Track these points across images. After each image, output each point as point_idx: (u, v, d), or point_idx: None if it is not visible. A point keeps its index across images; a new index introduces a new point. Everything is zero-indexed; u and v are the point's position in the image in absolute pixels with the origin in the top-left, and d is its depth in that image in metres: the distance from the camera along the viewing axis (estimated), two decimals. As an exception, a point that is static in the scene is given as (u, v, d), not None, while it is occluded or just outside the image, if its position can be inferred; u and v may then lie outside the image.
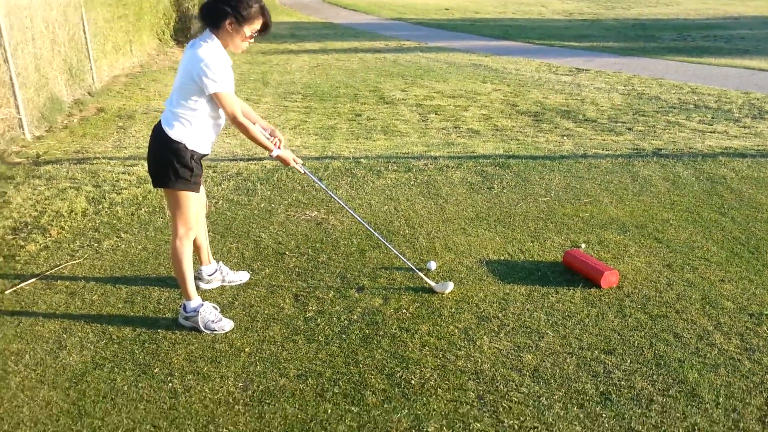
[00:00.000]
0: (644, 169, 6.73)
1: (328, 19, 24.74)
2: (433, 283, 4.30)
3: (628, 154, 7.31)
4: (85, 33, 10.83)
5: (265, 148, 3.79)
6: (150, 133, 3.69)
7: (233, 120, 3.56)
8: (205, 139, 3.66)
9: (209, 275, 4.29)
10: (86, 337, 3.72)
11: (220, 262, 4.40)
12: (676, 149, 7.52)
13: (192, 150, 3.59)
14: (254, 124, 3.78)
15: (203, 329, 3.78)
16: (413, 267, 4.44)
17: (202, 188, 3.99)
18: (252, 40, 3.61)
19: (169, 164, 3.58)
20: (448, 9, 27.03)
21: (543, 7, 27.19)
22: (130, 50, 13.76)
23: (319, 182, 4.33)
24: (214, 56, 3.44)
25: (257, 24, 3.53)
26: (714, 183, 6.30)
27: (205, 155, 3.76)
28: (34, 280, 4.40)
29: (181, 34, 17.25)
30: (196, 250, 4.13)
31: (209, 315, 3.82)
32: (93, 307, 4.06)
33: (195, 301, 3.83)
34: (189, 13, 17.53)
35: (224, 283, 4.35)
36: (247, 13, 3.44)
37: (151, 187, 6.06)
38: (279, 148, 3.83)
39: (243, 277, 4.45)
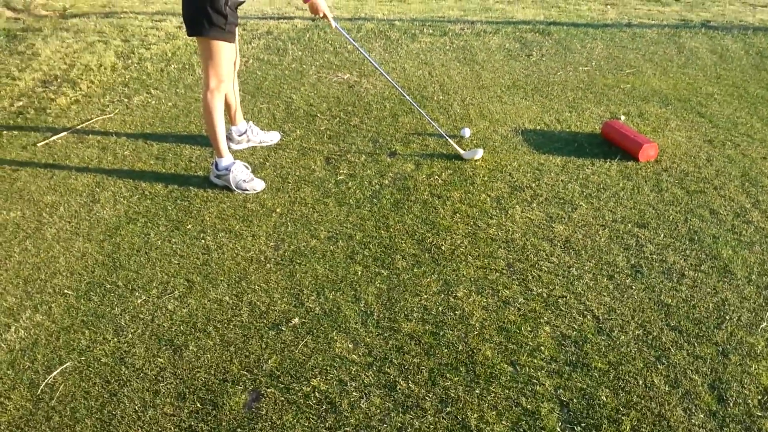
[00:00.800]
0: (691, 41, 6.42)
1: None
2: (461, 150, 4.22)
3: (675, 25, 6.97)
4: None
5: None
6: None
7: None
8: None
9: (239, 135, 4.25)
10: (119, 192, 3.74)
11: (250, 122, 4.35)
12: (725, 21, 7.15)
13: None
14: None
15: (235, 188, 3.78)
16: (443, 133, 4.35)
17: (237, 44, 3.88)
18: None
19: (203, 11, 3.46)
20: None
21: None
22: None
23: (352, 41, 4.17)
24: None
25: None
26: (763, 57, 6.01)
27: (241, 2, 3.63)
28: (65, 133, 4.40)
29: None
30: (227, 109, 4.07)
31: (241, 174, 3.81)
32: (125, 162, 4.07)
33: (227, 159, 3.81)
34: None
35: (254, 143, 4.31)
36: None
37: (180, 42, 5.97)
38: None
39: (274, 137, 4.41)
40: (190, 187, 3.81)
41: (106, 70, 5.41)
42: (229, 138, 4.25)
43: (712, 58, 6.00)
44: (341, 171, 4.04)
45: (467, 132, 4.50)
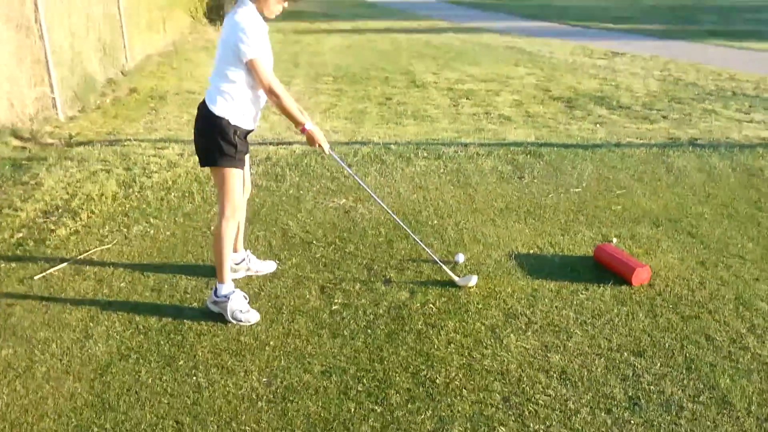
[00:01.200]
0: (679, 160, 6.58)
1: (361, -3, 24.59)
2: (455, 277, 4.24)
3: (663, 144, 7.16)
4: (119, 10, 10.86)
5: (297, 122, 3.73)
6: (195, 112, 3.69)
7: (268, 89, 3.53)
8: (248, 113, 3.66)
9: (236, 264, 4.28)
10: (113, 327, 3.74)
11: (248, 251, 4.39)
12: (712, 139, 7.35)
13: (235, 126, 3.60)
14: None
15: (230, 318, 3.78)
16: (437, 259, 4.39)
17: (248, 170, 4.02)
18: (286, 3, 3.60)
19: (214, 141, 3.59)
20: (482, -13, 26.64)
21: (579, -14, 26.69)
22: (163, 28, 13.80)
23: (347, 168, 4.26)
24: (250, 21, 3.44)
25: None
26: (751, 175, 6.14)
27: (250, 131, 3.76)
28: (63, 265, 4.44)
29: (214, 12, 17.25)
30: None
31: (238, 304, 3.81)
32: (120, 294, 4.09)
33: (228, 286, 3.83)
34: (222, -11, 17.52)
35: (250, 273, 4.35)
36: None
37: (181, 170, 6.12)
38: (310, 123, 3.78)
39: (270, 267, 4.44)
40: (185, 320, 3.81)
41: (107, 199, 5.53)
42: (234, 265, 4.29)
43: (700, 176, 6.13)
44: (336, 300, 4.06)
45: (461, 258, 4.54)
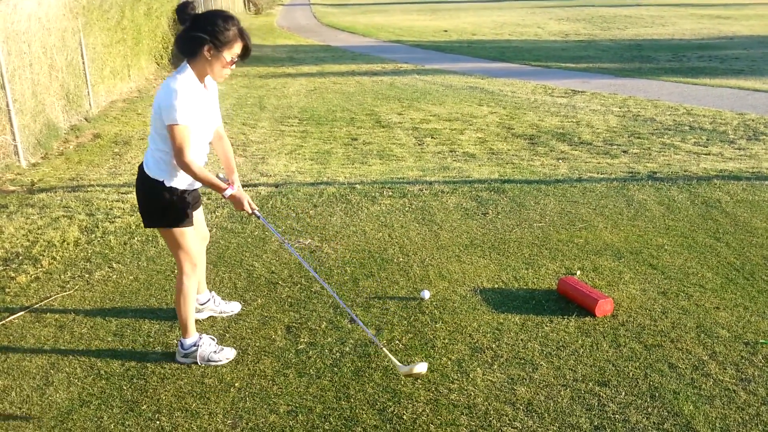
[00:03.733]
0: (639, 193, 6.71)
1: (326, 41, 24.84)
2: (399, 364, 3.59)
3: (623, 178, 7.30)
4: (83, 58, 10.86)
5: (217, 188, 3.55)
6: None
7: (177, 157, 3.33)
8: (183, 175, 3.51)
9: (201, 304, 4.25)
10: (74, 373, 3.68)
11: (213, 292, 4.37)
12: (671, 172, 7.51)
13: (171, 187, 3.50)
14: (232, 171, 3.77)
15: (204, 364, 3.74)
16: (377, 341, 3.93)
17: (202, 220, 3.96)
18: (233, 66, 3.47)
19: (153, 204, 3.53)
20: (446, 31, 27.17)
21: (539, 28, 27.31)
22: (128, 75, 13.81)
23: (271, 228, 4.02)
24: (182, 88, 3.29)
25: (237, 48, 3.39)
26: (709, 207, 6.28)
27: (191, 190, 3.66)
28: (23, 312, 4.37)
29: (179, 59, 17.33)
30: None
31: (209, 348, 3.78)
32: (82, 341, 4.02)
33: (193, 337, 3.78)
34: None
35: (215, 314, 4.31)
36: (224, 37, 3.32)
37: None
38: (232, 188, 3.62)
39: (234, 308, 4.41)
40: (147, 364, 3.76)
41: (69, 245, 5.46)
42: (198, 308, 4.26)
43: (660, 209, 6.25)
44: (302, 340, 4.04)
45: (427, 294, 4.55)
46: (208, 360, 3.76)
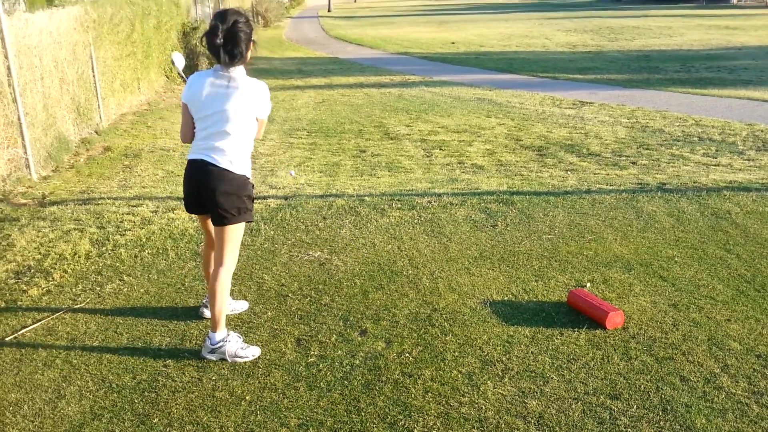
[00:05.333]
0: (648, 205, 6.70)
1: (334, 54, 24.95)
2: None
3: (632, 189, 7.29)
4: (93, 71, 10.94)
5: None
6: (192, 175, 3.84)
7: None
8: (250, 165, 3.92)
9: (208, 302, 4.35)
10: (85, 386, 3.69)
11: None
12: (680, 184, 7.50)
13: (252, 180, 3.88)
14: None
15: (232, 359, 3.88)
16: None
17: None
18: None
19: (240, 200, 3.78)
20: (454, 43, 27.25)
21: (547, 39, 27.36)
22: (137, 88, 13.90)
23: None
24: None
25: None
26: (719, 218, 6.26)
27: None
28: (35, 326, 4.39)
29: (189, 71, 17.44)
30: (207, 275, 4.27)
31: (236, 344, 3.91)
32: (93, 354, 4.04)
33: (222, 332, 3.90)
34: (197, 49, 17.71)
35: (227, 312, 4.39)
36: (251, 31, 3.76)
37: (155, 227, 6.11)
38: None
39: (242, 306, 4.58)
40: (159, 377, 3.77)
41: (80, 258, 5.49)
42: (204, 305, 4.43)
43: (669, 220, 6.23)
44: (312, 352, 4.04)
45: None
46: (236, 356, 3.89)
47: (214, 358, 3.90)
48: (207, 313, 4.37)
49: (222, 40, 3.57)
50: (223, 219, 3.78)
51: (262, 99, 3.78)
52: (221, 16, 3.60)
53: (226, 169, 3.73)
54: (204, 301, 4.51)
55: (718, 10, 39.76)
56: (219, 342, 3.88)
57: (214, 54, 3.64)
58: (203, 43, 3.63)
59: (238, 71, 3.69)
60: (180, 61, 4.55)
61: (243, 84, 3.68)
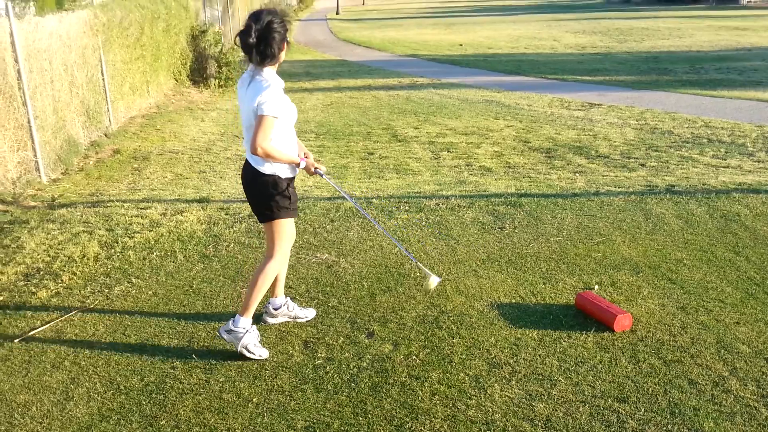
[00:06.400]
0: (657, 207, 6.67)
1: (343, 56, 24.99)
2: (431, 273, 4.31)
3: (641, 191, 7.26)
4: (103, 75, 10.99)
5: (292, 161, 3.85)
6: (241, 174, 3.96)
7: (260, 148, 3.63)
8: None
9: (276, 309, 4.40)
10: (93, 388, 3.71)
11: (288, 297, 4.48)
12: (689, 185, 7.47)
13: (286, 178, 3.85)
14: (301, 149, 4.08)
15: (240, 349, 3.91)
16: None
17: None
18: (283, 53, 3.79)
19: (270, 198, 3.82)
20: (462, 45, 27.23)
21: (555, 41, 27.30)
22: (147, 91, 13.95)
23: (337, 187, 4.40)
24: (275, 82, 3.73)
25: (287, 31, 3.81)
26: (728, 220, 6.23)
27: (294, 177, 3.97)
28: (44, 327, 4.41)
29: (198, 74, 17.45)
30: (274, 280, 4.27)
31: (253, 338, 3.95)
32: (101, 356, 4.06)
33: (248, 319, 3.95)
34: (205, 53, 17.75)
35: (289, 318, 4.45)
36: (284, 26, 3.74)
37: (164, 230, 6.14)
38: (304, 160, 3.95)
39: (309, 314, 4.52)
40: (167, 380, 3.78)
41: (89, 260, 5.52)
42: (266, 311, 4.42)
43: (678, 223, 6.21)
44: (319, 355, 4.05)
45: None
46: (247, 348, 3.93)
47: (226, 339, 3.95)
48: (270, 320, 4.41)
49: (255, 40, 3.60)
50: (258, 216, 3.97)
51: (258, 95, 3.61)
52: (256, 16, 3.63)
53: (253, 168, 3.81)
54: (265, 307, 4.47)
55: (728, 11, 39.60)
56: (240, 327, 3.92)
57: (247, 53, 3.68)
58: (237, 43, 3.68)
59: (267, 71, 3.70)
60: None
61: (261, 83, 3.66)
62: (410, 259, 4.42)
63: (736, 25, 30.63)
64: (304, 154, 4.05)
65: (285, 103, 3.72)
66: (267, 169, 3.79)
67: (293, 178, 3.97)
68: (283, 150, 3.78)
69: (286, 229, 3.96)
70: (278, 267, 4.02)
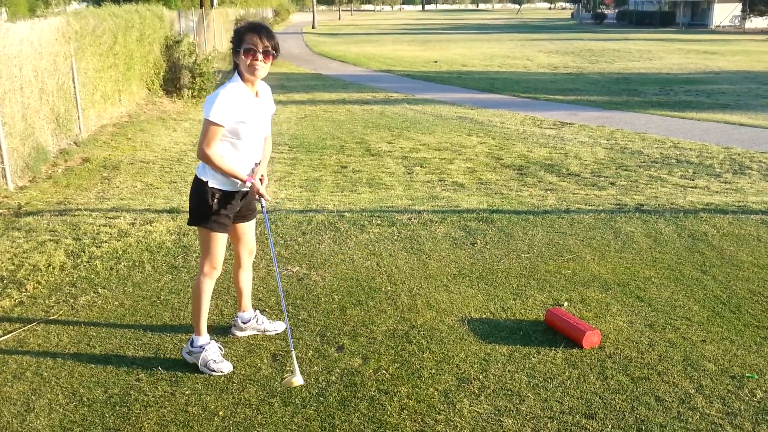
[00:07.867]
0: (626, 225, 6.74)
1: (317, 70, 25.03)
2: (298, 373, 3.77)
3: (611, 210, 7.34)
4: (74, 82, 10.88)
5: (235, 176, 3.76)
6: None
7: (201, 151, 3.62)
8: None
9: (244, 323, 4.35)
10: (55, 400, 3.63)
11: (257, 311, 4.45)
12: (658, 205, 7.57)
13: (213, 188, 3.75)
14: (258, 165, 3.97)
15: (201, 368, 3.88)
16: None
17: (249, 233, 4.16)
18: (261, 57, 3.72)
19: (195, 203, 3.81)
20: (437, 61, 27.43)
21: (528, 60, 27.64)
22: (118, 100, 13.83)
23: (267, 222, 4.24)
24: (227, 90, 3.68)
25: (249, 39, 3.67)
26: (695, 240, 6.32)
27: (234, 192, 3.85)
28: (6, 337, 4.32)
29: (171, 84, 17.36)
30: (238, 294, 4.32)
31: (212, 354, 3.92)
32: (64, 367, 3.97)
33: (203, 338, 3.95)
34: (179, 63, 17.67)
35: (258, 332, 4.40)
36: (235, 38, 3.72)
37: (132, 240, 6.06)
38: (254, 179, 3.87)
39: (278, 327, 4.47)
40: (131, 392, 3.71)
41: (55, 270, 5.42)
42: (234, 325, 4.38)
43: (647, 241, 6.28)
44: (288, 368, 4.00)
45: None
46: (207, 366, 3.89)
47: (190, 361, 3.97)
48: (238, 333, 4.38)
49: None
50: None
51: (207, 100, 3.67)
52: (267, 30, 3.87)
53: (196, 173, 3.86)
54: (234, 320, 4.44)
55: (697, 35, 40.43)
56: (198, 347, 3.93)
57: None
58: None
59: (232, 78, 3.81)
60: None
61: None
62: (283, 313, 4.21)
63: (705, 49, 31.26)
64: (260, 177, 3.94)
65: (240, 114, 3.71)
66: (202, 174, 3.78)
67: (234, 192, 3.86)
68: (227, 161, 3.72)
69: (210, 243, 3.84)
70: (209, 282, 3.92)
